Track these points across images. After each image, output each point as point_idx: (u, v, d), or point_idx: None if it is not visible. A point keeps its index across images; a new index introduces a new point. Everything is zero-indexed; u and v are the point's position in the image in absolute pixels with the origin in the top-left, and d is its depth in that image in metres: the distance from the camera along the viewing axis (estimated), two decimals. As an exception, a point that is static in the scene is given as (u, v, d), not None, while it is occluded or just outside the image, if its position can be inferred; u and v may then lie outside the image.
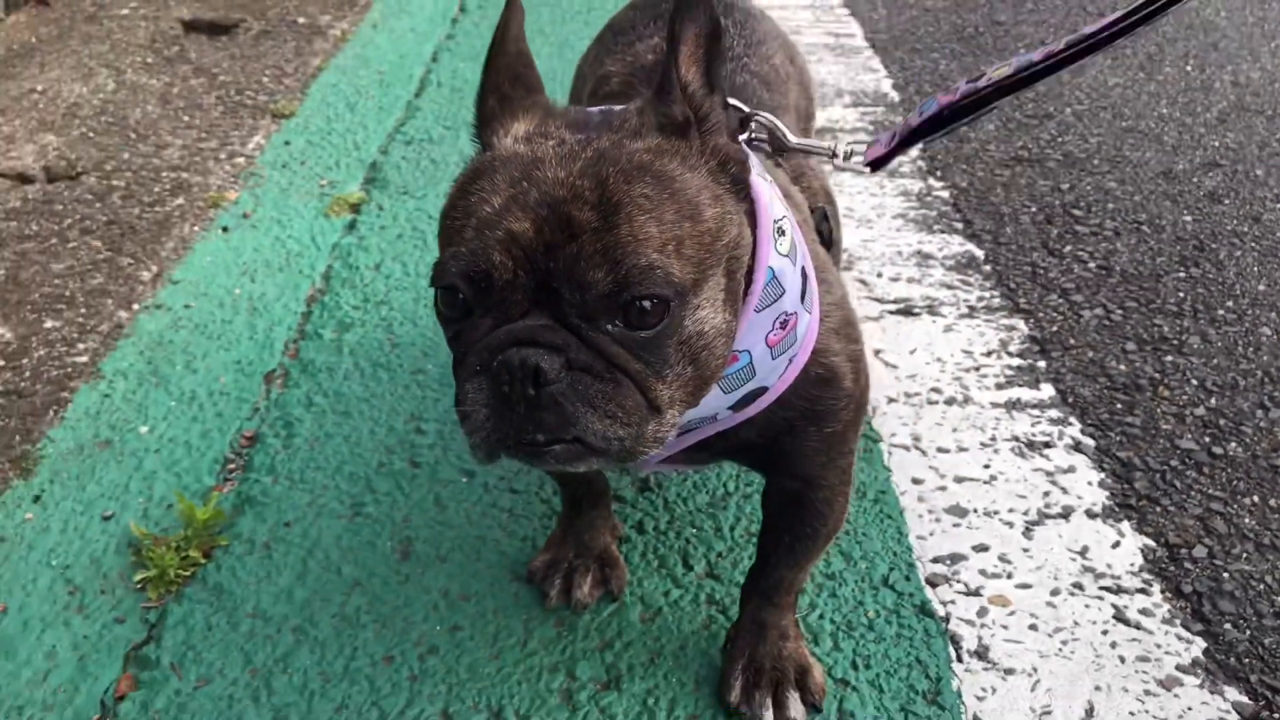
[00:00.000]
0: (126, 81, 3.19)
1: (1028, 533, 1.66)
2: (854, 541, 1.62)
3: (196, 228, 2.46)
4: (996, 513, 1.69)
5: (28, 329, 2.09)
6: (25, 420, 1.86)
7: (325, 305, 2.19)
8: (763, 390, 1.12)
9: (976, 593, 1.55)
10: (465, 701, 1.37)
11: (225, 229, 2.46)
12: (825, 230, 1.35)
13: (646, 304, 0.93)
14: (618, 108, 1.08)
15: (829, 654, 1.45)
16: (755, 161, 1.10)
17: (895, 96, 3.29)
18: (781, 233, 1.08)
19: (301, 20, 3.75)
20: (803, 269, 1.11)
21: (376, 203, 2.58)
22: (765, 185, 1.09)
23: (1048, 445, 1.84)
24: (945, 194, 2.70)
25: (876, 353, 2.06)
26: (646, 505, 1.70)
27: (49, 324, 2.11)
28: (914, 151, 2.92)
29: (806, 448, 1.20)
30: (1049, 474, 1.78)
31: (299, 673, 1.41)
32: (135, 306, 2.18)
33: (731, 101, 1.23)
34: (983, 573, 1.58)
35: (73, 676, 1.41)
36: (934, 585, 1.56)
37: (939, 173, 2.80)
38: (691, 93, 1.02)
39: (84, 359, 2.02)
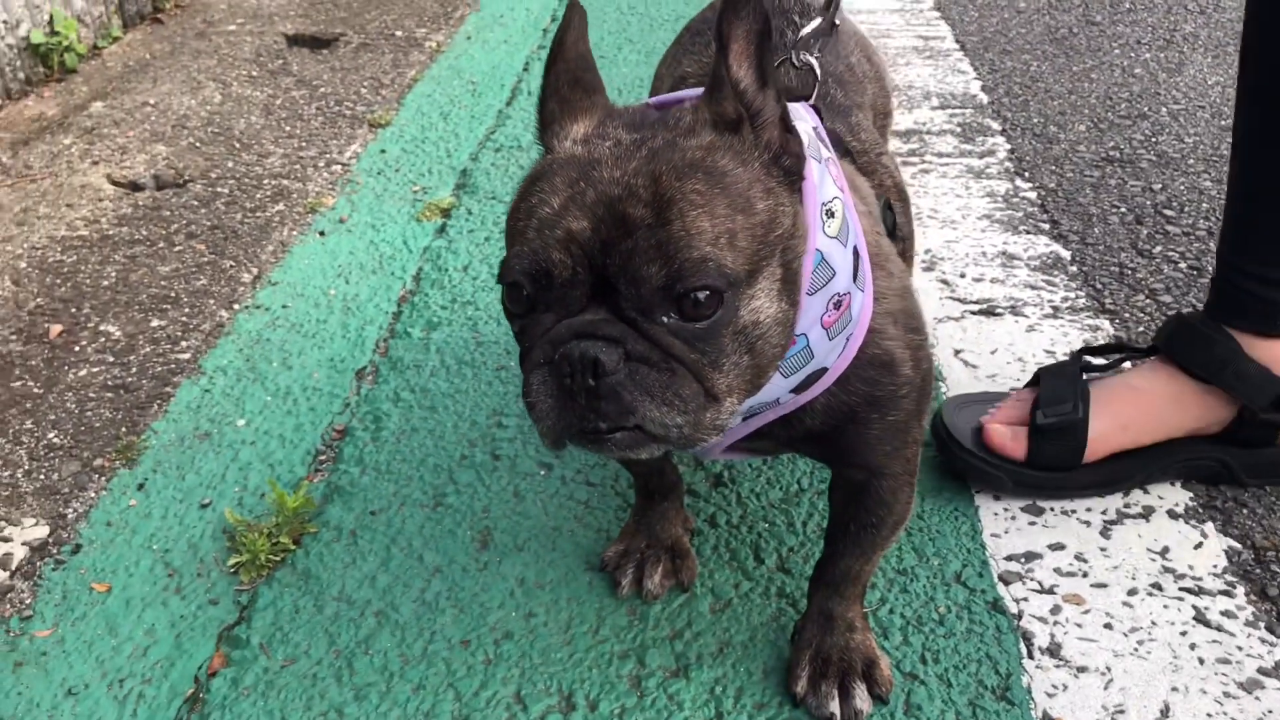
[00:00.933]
0: (232, 94, 3.33)
1: (1105, 532, 1.64)
2: (926, 538, 1.62)
3: (295, 232, 2.56)
4: (1074, 512, 1.67)
5: (135, 327, 2.20)
6: (131, 413, 1.96)
7: (415, 305, 2.26)
8: (822, 371, 1.14)
9: (1050, 590, 1.54)
10: (537, 685, 1.41)
11: (322, 233, 2.55)
12: (889, 221, 1.36)
13: (700, 295, 0.97)
14: (676, 107, 1.11)
15: (898, 648, 1.45)
16: (812, 142, 1.12)
17: (984, 98, 3.25)
18: (830, 214, 1.10)
19: (399, 33, 3.86)
20: (854, 249, 1.13)
21: (466, 207, 2.65)
22: (816, 167, 1.11)
23: (1130, 445, 1.81)
24: (1032, 195, 2.66)
25: (957, 352, 2.05)
26: (719, 500, 1.72)
27: (155, 323, 2.21)
28: (1001, 153, 2.89)
29: (869, 436, 1.22)
30: (1130, 474, 1.75)
31: (380, 654, 1.47)
32: (236, 306, 2.28)
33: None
34: (1057, 571, 1.57)
35: (169, 653, 1.48)
36: (1007, 583, 1.55)
37: (1026, 174, 2.77)
38: (743, 89, 1.05)
39: (186, 356, 2.12)
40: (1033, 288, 2.26)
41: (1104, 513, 1.67)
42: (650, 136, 1.04)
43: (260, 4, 4.12)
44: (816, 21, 1.43)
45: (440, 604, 1.55)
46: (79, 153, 2.91)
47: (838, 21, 1.53)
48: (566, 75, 1.12)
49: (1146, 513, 1.67)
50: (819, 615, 1.40)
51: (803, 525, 1.67)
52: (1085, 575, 1.56)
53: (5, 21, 3.16)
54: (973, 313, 2.19)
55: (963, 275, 2.32)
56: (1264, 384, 1.63)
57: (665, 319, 0.98)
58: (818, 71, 1.39)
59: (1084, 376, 1.74)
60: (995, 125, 3.07)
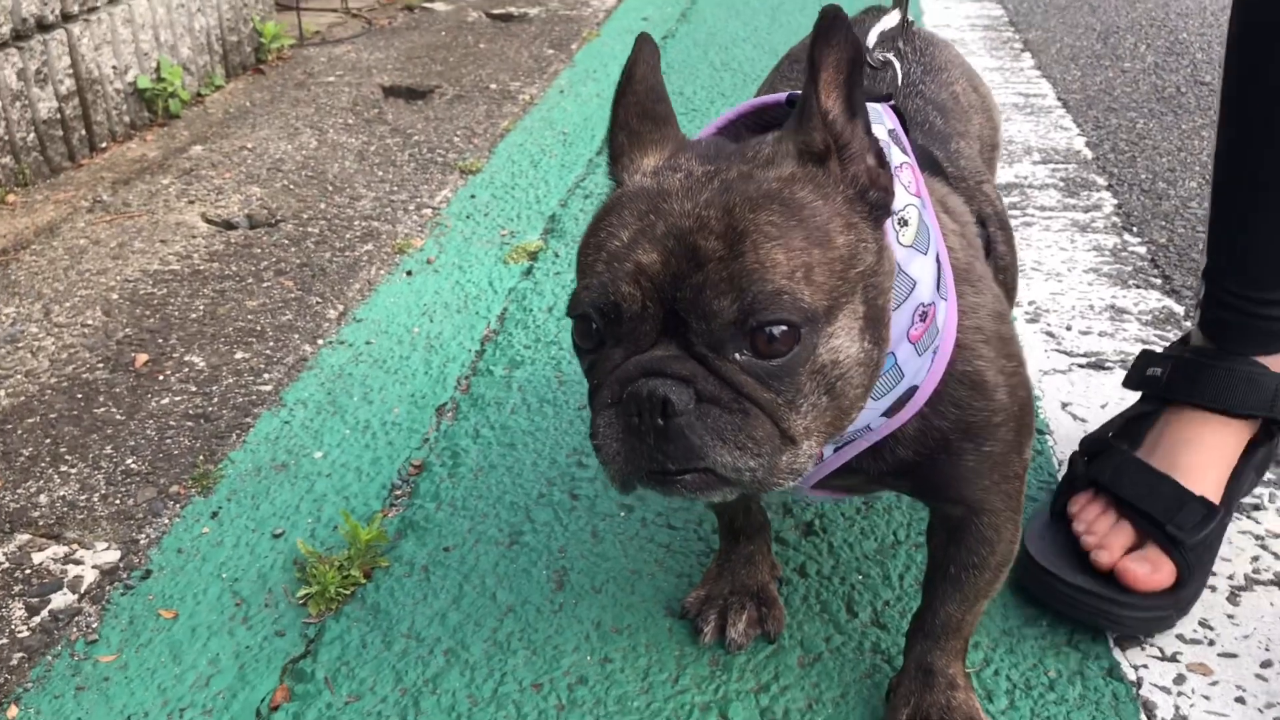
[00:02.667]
0: (328, 140, 3.36)
1: (1233, 598, 1.50)
2: (1033, 597, 1.51)
3: (382, 271, 2.55)
4: (1197, 575, 1.54)
5: (220, 359, 2.19)
6: (210, 442, 1.94)
7: (498, 344, 2.22)
8: (913, 391, 1.06)
9: (1173, 659, 1.41)
10: (612, 734, 1.32)
11: (409, 273, 2.53)
12: (982, 237, 1.28)
13: (774, 330, 0.91)
14: (755, 139, 1.05)
15: (1003, 713, 1.33)
16: (886, 145, 1.06)
17: (1089, 154, 3.15)
18: (904, 223, 1.03)
19: (493, 86, 3.89)
20: (936, 256, 1.05)
21: (553, 250, 2.61)
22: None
23: (1256, 507, 1.68)
24: (1142, 249, 2.54)
25: (1064, 405, 1.94)
26: (809, 549, 1.62)
27: (239, 355, 2.20)
28: (1107, 207, 2.78)
29: (965, 468, 1.13)
30: (1258, 538, 1.62)
31: (447, 694, 1.39)
32: (320, 342, 2.26)
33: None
34: (1180, 638, 1.44)
35: (232, 684, 1.43)
36: (1124, 648, 1.43)
37: (1135, 228, 2.65)
38: (832, 120, 0.99)
39: (268, 388, 2.09)
40: (1144, 342, 2.14)
41: (1230, 578, 1.54)
42: (724, 168, 0.99)
43: (359, 58, 4.20)
44: (890, 17, 1.40)
45: (512, 644, 1.47)
46: (176, 192, 2.95)
47: (911, 18, 1.48)
48: (635, 108, 1.07)
49: (1279, 579, 1.53)
50: (917, 670, 1.29)
51: (899, 579, 1.56)
52: (1212, 644, 1.43)
53: (115, 67, 3.25)
54: (1080, 365, 2.07)
55: (1069, 328, 2.21)
56: None
57: (738, 355, 0.92)
58: (897, 67, 1.34)
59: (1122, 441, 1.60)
60: (1100, 180, 2.95)
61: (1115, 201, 2.81)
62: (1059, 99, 3.65)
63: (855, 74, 0.97)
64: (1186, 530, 1.45)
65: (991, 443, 1.12)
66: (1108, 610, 1.42)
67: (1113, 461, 1.56)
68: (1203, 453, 1.53)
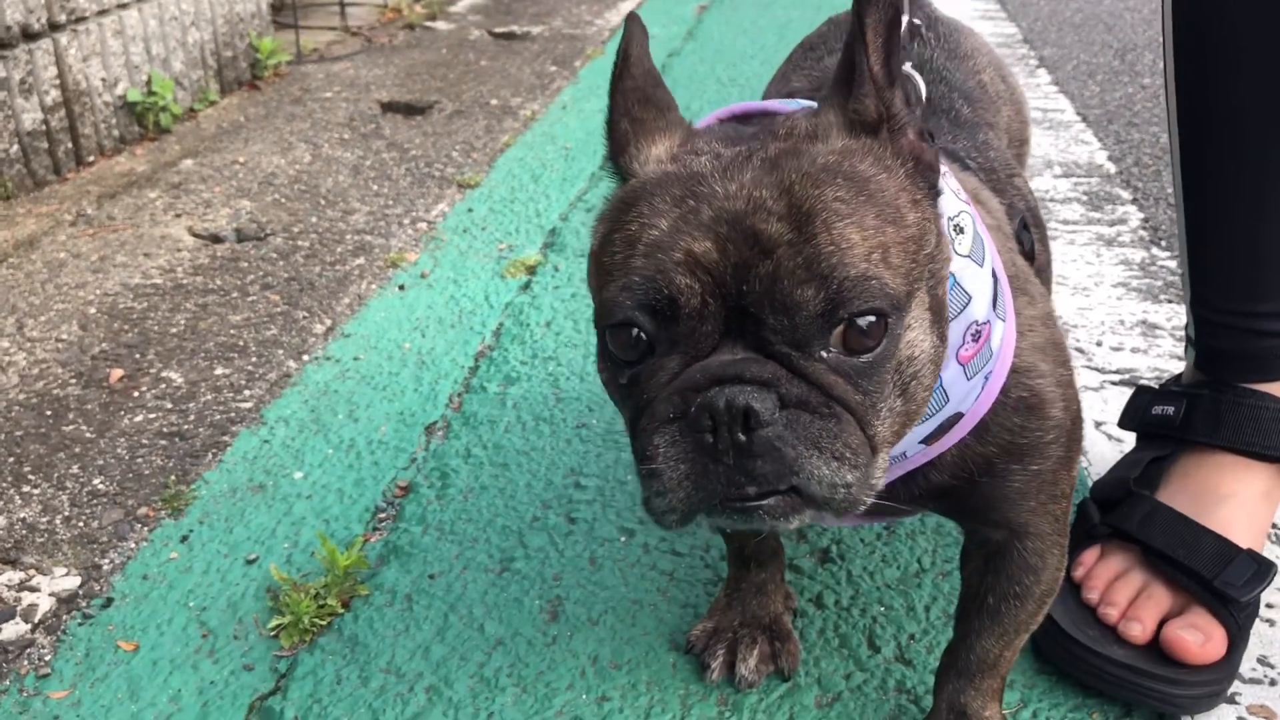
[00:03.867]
0: (322, 155, 3.26)
1: (1294, 632, 1.37)
2: (1074, 630, 1.37)
3: (374, 286, 2.43)
4: (1252, 607, 1.41)
5: (198, 375, 2.06)
6: (183, 461, 1.81)
7: (493, 360, 2.09)
8: (958, 417, 0.93)
9: (1232, 700, 1.27)
10: (609, 782, 1.19)
11: (402, 287, 2.42)
12: (1025, 240, 1.16)
13: (864, 321, 0.78)
14: (783, 115, 0.94)
15: (1045, 760, 1.20)
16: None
17: (1111, 168, 3.03)
18: (960, 230, 0.91)
19: (494, 102, 3.80)
20: (992, 270, 0.93)
21: (553, 264, 2.50)
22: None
23: (1313, 533, 1.54)
24: (1172, 264, 2.42)
25: (1097, 425, 1.81)
26: (827, 577, 1.49)
27: (219, 371, 2.08)
28: (1134, 221, 2.66)
29: (1009, 489, 1.00)
30: (1316, 565, 1.48)
31: (428, 736, 1.26)
32: (305, 357, 2.14)
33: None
34: (1239, 677, 1.30)
35: (193, 723, 1.30)
36: (1176, 687, 1.29)
37: (1164, 243, 2.53)
38: (880, 87, 0.86)
39: (248, 405, 1.97)
40: (1180, 359, 2.01)
41: (1289, 609, 1.41)
42: (759, 146, 0.86)
43: (358, 75, 4.10)
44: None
45: (500, 681, 1.34)
46: (163, 206, 2.84)
47: (918, 21, 1.36)
48: (635, 93, 0.94)
49: (1342, 611, 1.40)
50: (949, 712, 1.16)
51: (925, 610, 1.43)
52: (1273, 683, 1.29)
53: (104, 79, 3.15)
54: (1113, 383, 1.94)
55: (1099, 344, 2.08)
56: None
57: (823, 353, 0.79)
58: (917, 77, 1.22)
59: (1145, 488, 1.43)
60: (1125, 194, 2.83)
61: (1142, 215, 2.68)
62: (1078, 114, 3.54)
63: (894, 37, 0.86)
64: (1238, 588, 1.27)
65: (1040, 460, 1.00)
66: (1154, 689, 1.24)
67: (1140, 509, 1.38)
68: (1239, 501, 1.37)
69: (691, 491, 0.80)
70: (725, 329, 0.80)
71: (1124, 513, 1.39)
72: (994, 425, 0.97)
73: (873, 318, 0.79)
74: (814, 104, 1.00)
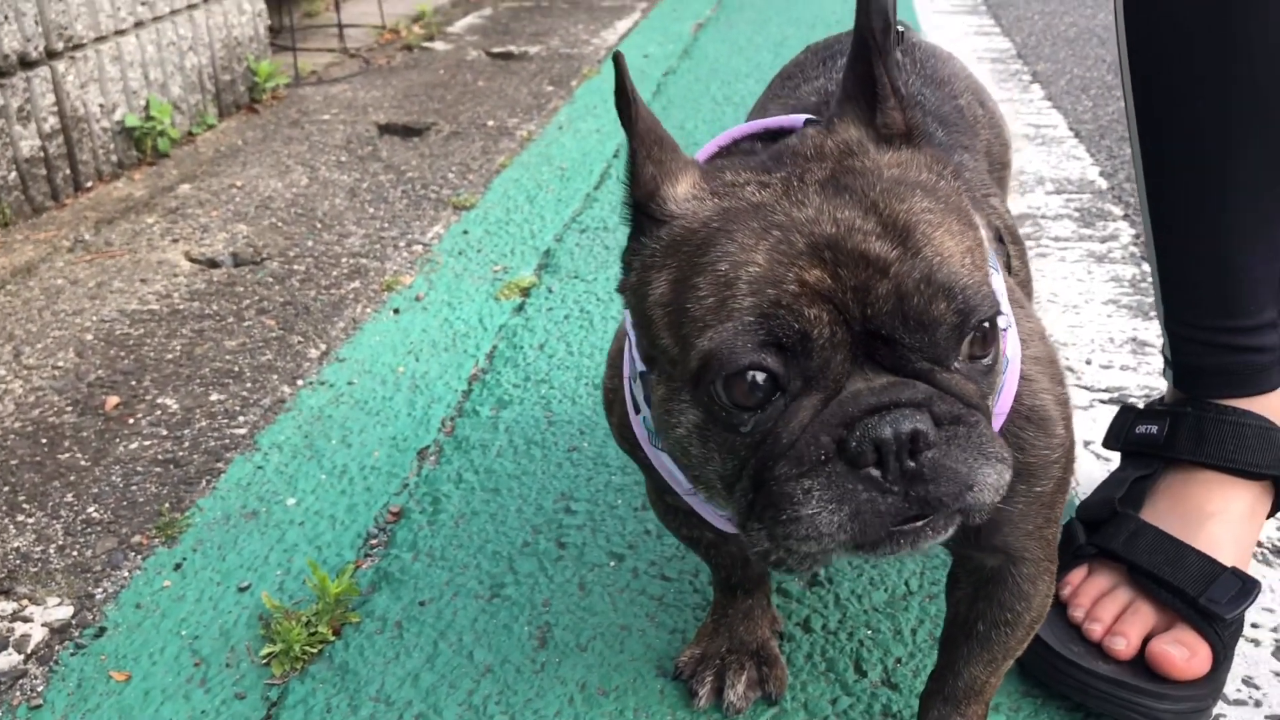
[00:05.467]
0: (319, 177, 3.28)
1: (1279, 653, 1.37)
2: (1060, 652, 1.38)
3: (369, 309, 2.45)
4: (1238, 627, 1.41)
5: (194, 401, 2.08)
6: (178, 489, 1.82)
7: (486, 383, 2.10)
8: None
9: (1216, 721, 1.28)
10: (595, 810, 1.19)
11: (396, 310, 2.43)
12: (1001, 254, 1.17)
13: (988, 327, 0.80)
14: (797, 133, 0.94)
15: (1030, 784, 1.20)
16: None
17: (1103, 184, 3.04)
18: None
19: (491, 123, 3.82)
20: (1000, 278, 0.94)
21: (547, 286, 2.51)
22: None
23: (1300, 552, 1.55)
24: (1163, 280, 2.42)
25: (1086, 444, 1.81)
26: (814, 601, 1.50)
27: (214, 397, 2.09)
28: (1124, 237, 2.67)
29: (1012, 511, 1.00)
30: (1303, 585, 1.49)
31: (416, 765, 1.27)
32: (299, 382, 2.15)
33: None
34: (1224, 699, 1.31)
35: (184, 753, 1.31)
36: (1161, 710, 1.29)
37: (1155, 259, 2.53)
38: (902, 98, 0.88)
39: (243, 431, 1.98)
40: (1169, 376, 2.01)
41: (1275, 630, 1.41)
42: (798, 170, 0.85)
43: (355, 96, 4.13)
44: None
45: (489, 709, 1.34)
46: (160, 231, 2.86)
47: (909, 26, 1.37)
48: (650, 135, 0.89)
49: (1327, 631, 1.40)
50: (934, 739, 1.16)
51: (912, 633, 1.44)
52: (1259, 704, 1.30)
53: (102, 105, 3.18)
54: (1103, 401, 1.95)
55: (1089, 362, 2.09)
56: None
57: (956, 364, 0.80)
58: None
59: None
60: (1117, 210, 2.84)
61: (1133, 232, 2.69)
62: (1071, 129, 3.55)
63: (890, 45, 0.87)
64: (1222, 605, 1.28)
65: (1043, 482, 1.01)
66: (1139, 703, 1.25)
67: (1126, 529, 1.39)
68: (1224, 519, 1.38)
69: (862, 530, 0.77)
70: (853, 356, 0.78)
71: (1110, 532, 1.40)
72: (1008, 436, 0.98)
73: (991, 323, 0.80)
74: (803, 117, 1.01)
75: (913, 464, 0.76)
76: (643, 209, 0.88)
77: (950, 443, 0.78)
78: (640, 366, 0.94)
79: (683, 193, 0.87)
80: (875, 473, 0.76)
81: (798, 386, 0.78)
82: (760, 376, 0.78)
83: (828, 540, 0.78)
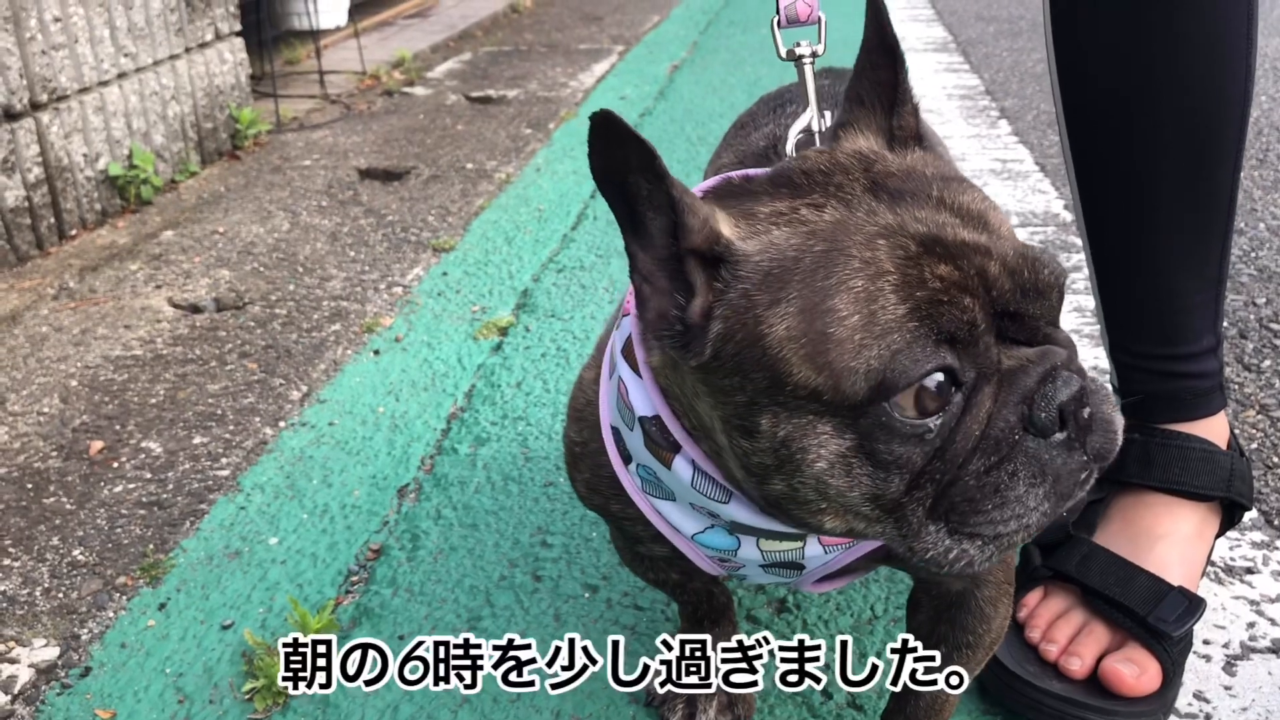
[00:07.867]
0: (301, 223, 3.33)
1: (1229, 668, 1.42)
2: (1019, 672, 1.42)
3: (349, 351, 2.50)
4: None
5: (177, 444, 2.12)
6: (161, 530, 1.86)
7: (464, 422, 2.15)
8: None
9: (1168, 735, 1.32)
10: (569, 834, 1.23)
11: (376, 352, 2.48)
12: None
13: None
14: (788, 163, 0.94)
15: (988, 799, 1.25)
16: None
17: (1067, 217, 3.12)
18: None
19: (470, 166, 3.88)
20: None
21: (524, 325, 2.56)
22: None
23: (1250, 571, 1.60)
24: (1124, 310, 2.49)
25: (1046, 470, 1.87)
26: (783, 627, 1.54)
27: (197, 440, 2.13)
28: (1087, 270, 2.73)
29: None
30: (1253, 603, 1.54)
31: (395, 794, 1.31)
32: (281, 424, 2.19)
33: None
34: (1176, 713, 1.35)
35: (168, 788, 1.34)
36: (1116, 725, 1.34)
37: (1117, 289, 2.60)
38: (913, 101, 0.94)
39: (225, 473, 2.02)
40: (1129, 403, 2.07)
41: (1225, 645, 1.46)
42: (836, 185, 0.85)
43: (336, 142, 4.20)
44: (808, 114, 1.10)
45: (466, 738, 1.38)
46: (144, 277, 2.91)
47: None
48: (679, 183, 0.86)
49: (1276, 647, 1.45)
50: (895, 758, 1.21)
51: (877, 656, 1.48)
52: (1209, 718, 1.34)
53: (85, 155, 3.23)
54: (1063, 429, 2.01)
55: (1051, 391, 2.14)
56: (1245, 474, 1.48)
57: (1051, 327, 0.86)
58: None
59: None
60: (1079, 243, 2.91)
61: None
62: (1036, 163, 3.63)
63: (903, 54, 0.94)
64: (1170, 624, 1.34)
65: None
66: None
67: (1079, 551, 1.44)
68: (1172, 540, 1.44)
69: (1059, 495, 0.81)
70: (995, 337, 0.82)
71: (1064, 555, 1.45)
72: None
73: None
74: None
75: (1087, 419, 0.81)
76: (703, 255, 0.83)
77: (1093, 395, 0.83)
78: (641, 412, 0.96)
79: (734, 231, 0.84)
80: (1060, 436, 0.81)
81: (971, 378, 0.80)
82: (941, 378, 0.78)
83: (1037, 515, 0.80)
